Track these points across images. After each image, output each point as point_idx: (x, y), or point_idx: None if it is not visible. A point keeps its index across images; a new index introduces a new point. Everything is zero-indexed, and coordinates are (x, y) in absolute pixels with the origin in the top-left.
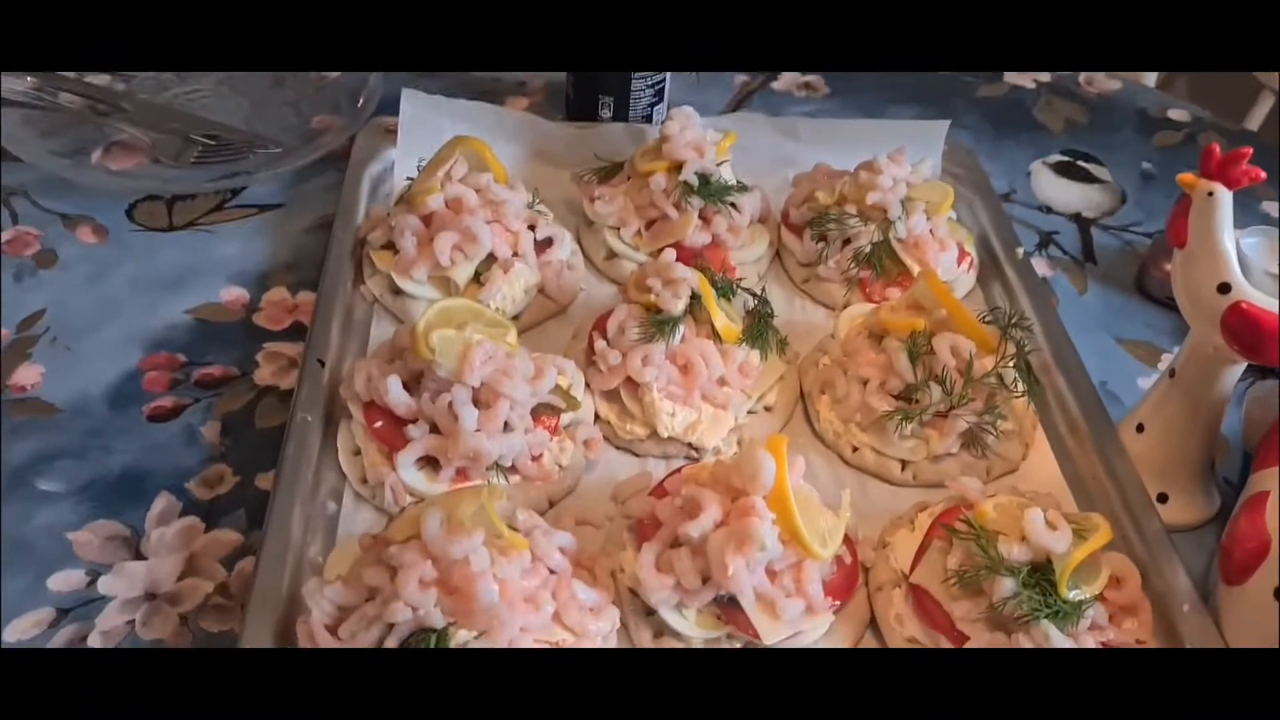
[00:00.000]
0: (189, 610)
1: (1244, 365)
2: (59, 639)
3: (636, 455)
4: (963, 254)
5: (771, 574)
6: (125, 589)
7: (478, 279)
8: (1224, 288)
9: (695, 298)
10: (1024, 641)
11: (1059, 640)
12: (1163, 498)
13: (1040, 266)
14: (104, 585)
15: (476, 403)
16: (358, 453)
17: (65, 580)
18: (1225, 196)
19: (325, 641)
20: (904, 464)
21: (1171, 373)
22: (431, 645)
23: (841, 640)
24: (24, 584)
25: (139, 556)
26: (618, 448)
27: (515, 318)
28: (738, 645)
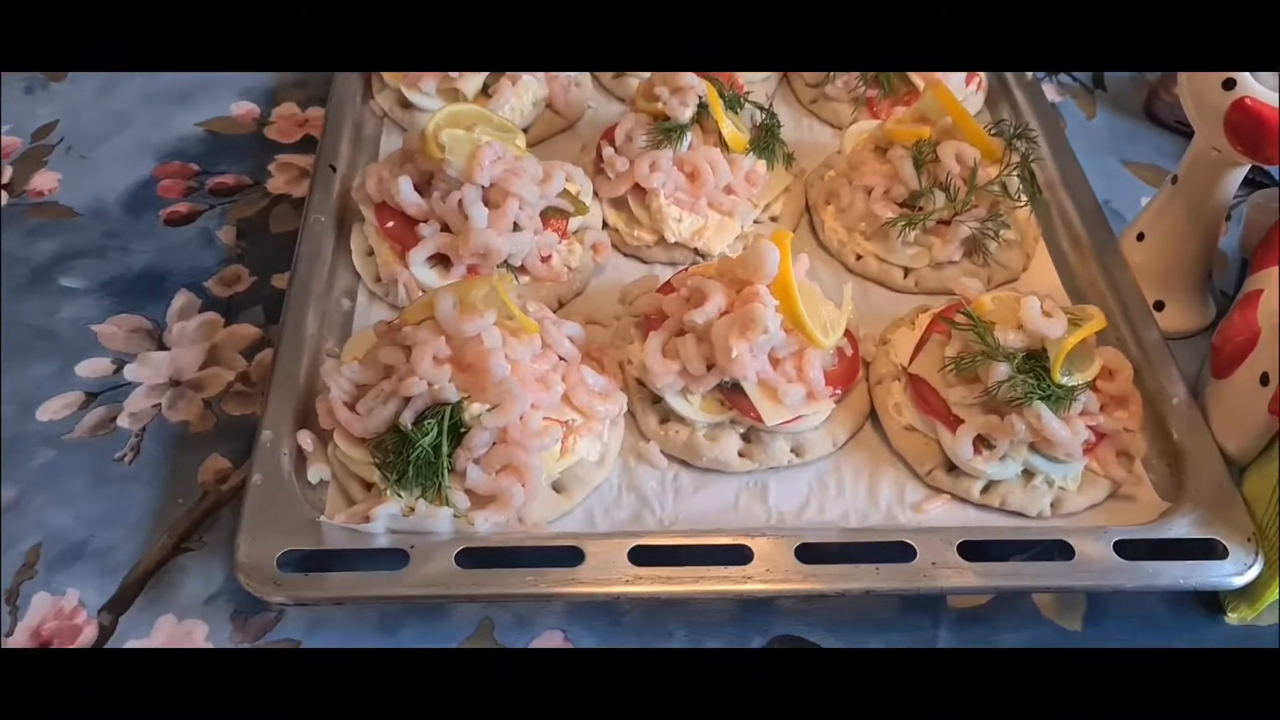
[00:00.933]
0: (212, 395)
1: (1244, 170)
2: (89, 420)
3: (644, 261)
4: (971, 75)
5: (774, 361)
6: (150, 375)
7: (485, 91)
8: (1229, 83)
9: (703, 106)
10: (1017, 424)
11: (1051, 422)
12: (1159, 305)
13: (1050, 92)
14: (130, 372)
15: (486, 202)
16: (371, 253)
17: (92, 367)
18: None
19: (344, 416)
20: (906, 271)
21: (1174, 180)
22: (446, 417)
23: (841, 428)
24: (53, 370)
25: (162, 347)
26: (625, 254)
27: (524, 131)
28: (740, 430)
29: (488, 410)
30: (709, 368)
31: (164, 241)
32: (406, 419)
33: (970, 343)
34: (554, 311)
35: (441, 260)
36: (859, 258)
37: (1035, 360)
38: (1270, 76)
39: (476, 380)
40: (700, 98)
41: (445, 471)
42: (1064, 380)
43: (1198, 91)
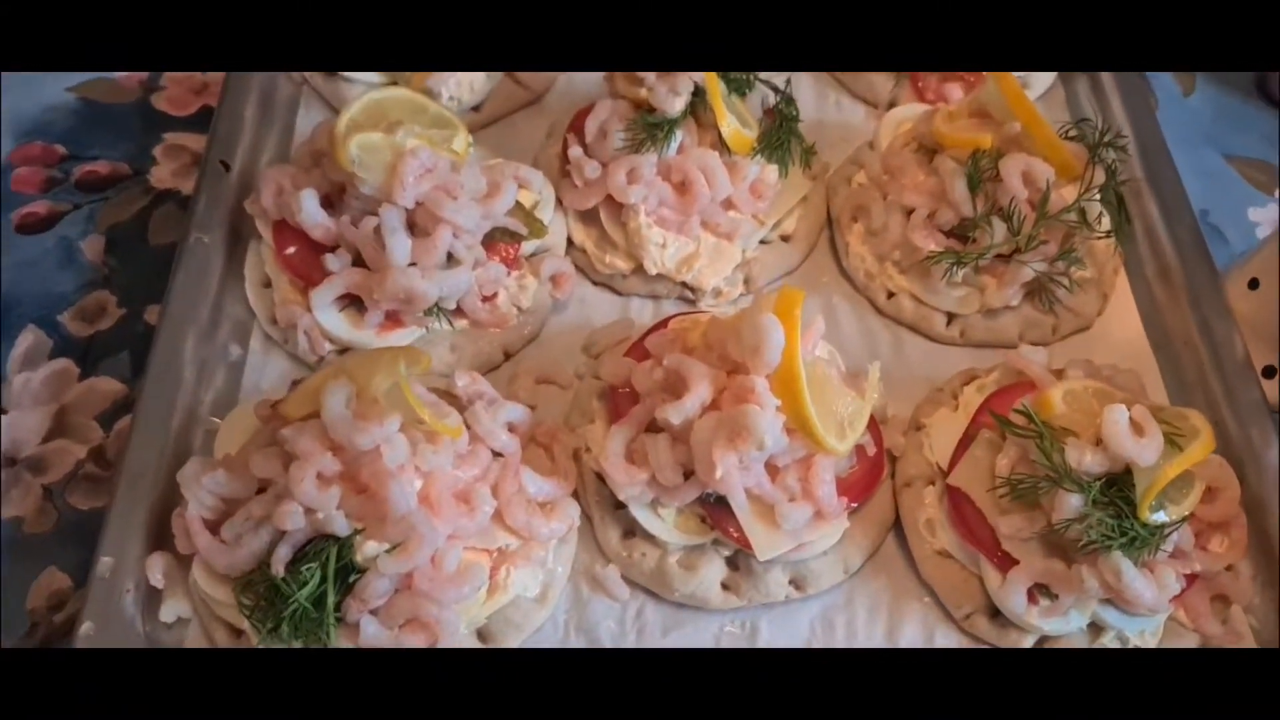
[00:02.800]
0: (55, 481)
1: None
2: None
3: (618, 293)
4: None
5: (773, 470)
6: None
7: None
8: None
9: (699, 95)
10: (1086, 574)
11: (1131, 576)
12: (1270, 372)
13: None
14: None
15: (412, 229)
16: (268, 284)
17: None
18: None
19: (204, 543)
20: (951, 317)
21: None
22: (333, 560)
23: (856, 550)
24: None
25: None
26: (594, 283)
27: (475, 109)
28: (726, 554)
29: (387, 550)
30: (687, 476)
31: (14, 255)
32: (280, 558)
33: (1031, 455)
34: (499, 365)
35: (355, 301)
36: (891, 295)
37: (1117, 489)
38: None
39: (374, 508)
40: (696, 84)
41: (331, 628)
42: (1153, 519)
43: None
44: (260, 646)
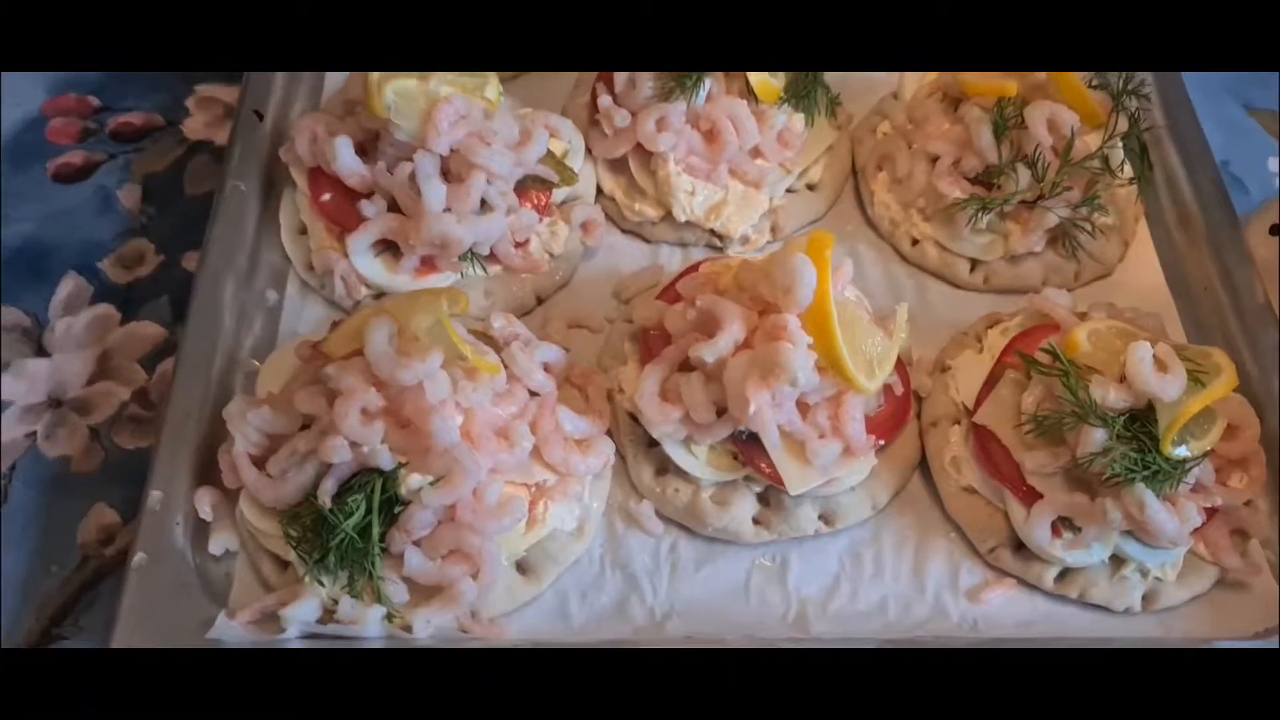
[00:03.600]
0: (100, 422)
1: None
2: None
3: (646, 241)
4: None
5: (804, 408)
6: (25, 392)
7: None
8: None
9: None
10: (1111, 510)
11: (1156, 512)
12: None
13: None
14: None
15: (446, 175)
16: (304, 231)
17: None
18: None
19: (250, 478)
20: (974, 263)
21: None
22: (377, 492)
23: (883, 487)
24: None
25: (41, 352)
26: (624, 230)
27: None
28: (757, 490)
29: (430, 483)
30: (720, 413)
31: (51, 204)
32: (326, 491)
33: (1056, 392)
34: (532, 310)
35: (390, 247)
36: (915, 243)
37: (1140, 424)
38: None
39: (417, 442)
40: None
41: (377, 558)
42: (1176, 453)
43: None
44: (306, 584)
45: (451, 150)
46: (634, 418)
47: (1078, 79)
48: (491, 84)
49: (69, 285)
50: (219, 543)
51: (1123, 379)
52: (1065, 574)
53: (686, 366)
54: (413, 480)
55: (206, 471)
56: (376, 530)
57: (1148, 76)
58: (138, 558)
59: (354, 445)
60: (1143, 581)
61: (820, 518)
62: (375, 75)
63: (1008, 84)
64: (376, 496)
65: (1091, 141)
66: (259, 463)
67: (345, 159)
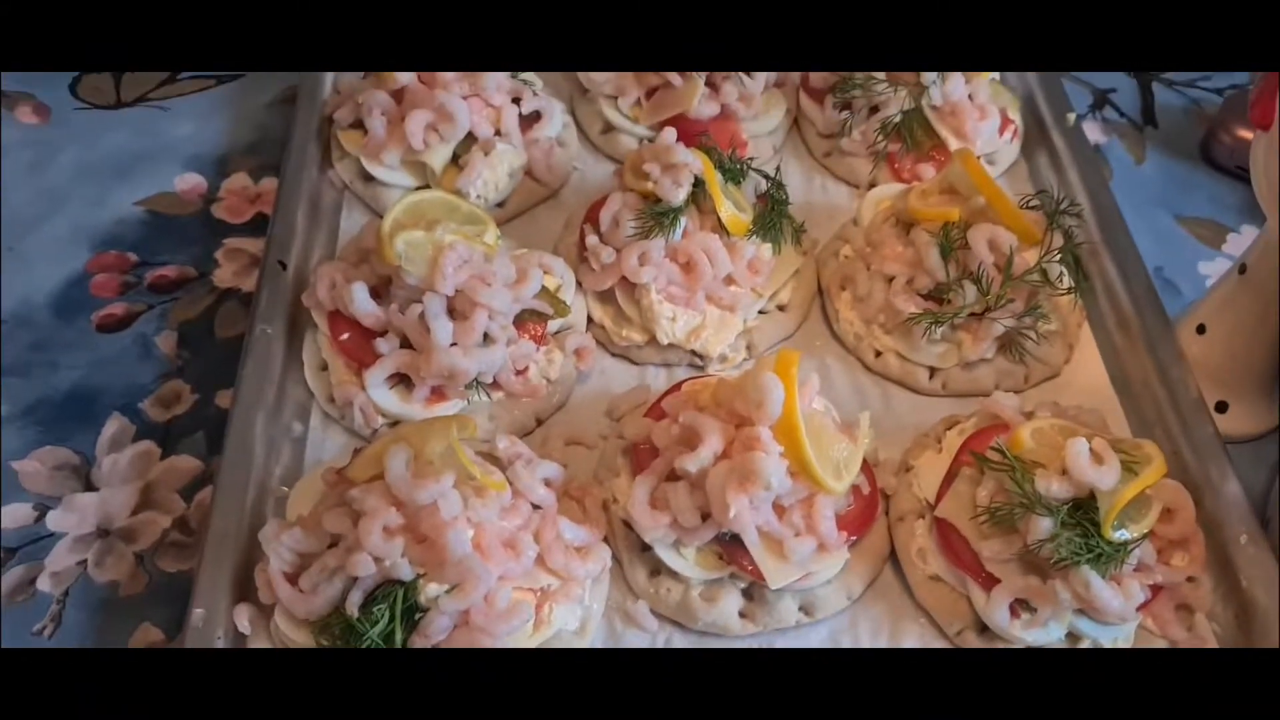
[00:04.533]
0: (145, 548)
1: None
2: (8, 580)
3: (634, 363)
4: (1005, 122)
5: (779, 509)
6: (76, 524)
7: (456, 162)
8: None
9: (699, 185)
10: (1061, 591)
11: (1101, 591)
12: (1222, 407)
13: (1093, 132)
14: (53, 520)
15: (452, 313)
16: (325, 368)
17: (12, 515)
18: None
19: (285, 593)
20: (932, 371)
21: (1242, 269)
22: (399, 601)
23: (857, 579)
24: None
25: (89, 487)
26: (613, 354)
27: (500, 205)
28: (741, 586)
29: (446, 591)
30: (704, 518)
31: (96, 353)
32: (354, 602)
33: (1006, 486)
34: (532, 431)
35: (403, 379)
36: (878, 354)
37: (1082, 512)
38: None
39: (434, 554)
40: (695, 175)
41: None
42: (1116, 536)
43: (1272, 171)
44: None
45: (456, 291)
46: (628, 525)
47: (1012, 203)
48: (490, 229)
49: (113, 425)
50: None
51: (1064, 471)
52: None
53: (673, 476)
54: (430, 589)
55: (244, 589)
56: (400, 636)
57: (1082, 195)
58: None
59: (377, 560)
60: None
61: (801, 609)
62: (386, 227)
63: (951, 210)
64: (399, 605)
65: (1030, 257)
66: (291, 579)
67: (361, 302)
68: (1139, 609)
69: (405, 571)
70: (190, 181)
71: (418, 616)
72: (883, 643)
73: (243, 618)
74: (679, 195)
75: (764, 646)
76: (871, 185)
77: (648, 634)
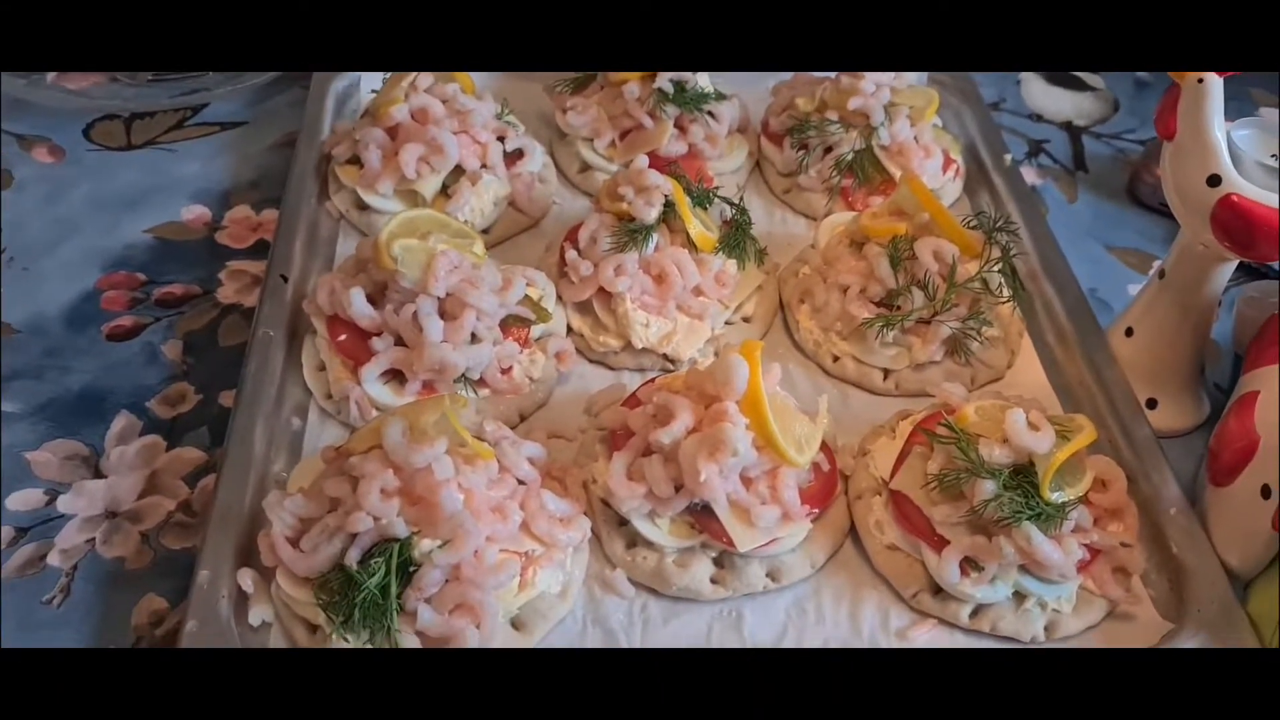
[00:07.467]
0: (150, 528)
1: (1235, 264)
2: (18, 557)
3: (610, 368)
4: (948, 161)
5: (746, 481)
6: (85, 507)
7: (445, 192)
8: (1214, 180)
9: (669, 205)
10: (1005, 546)
11: (1041, 544)
12: (1152, 403)
13: (1029, 175)
14: (63, 504)
15: (442, 314)
16: (322, 368)
17: (24, 499)
18: (1216, 84)
19: (286, 554)
20: (886, 373)
21: (1161, 274)
22: (395, 555)
23: (819, 549)
24: None
25: (98, 475)
26: (591, 360)
27: (485, 231)
28: (712, 554)
29: (439, 546)
30: (677, 489)
31: (106, 359)
32: (352, 558)
33: (953, 457)
34: (516, 425)
35: (396, 375)
36: (836, 359)
37: (1023, 476)
38: (1256, 171)
39: (427, 514)
40: (666, 196)
41: (394, 613)
42: (1054, 497)
43: (1182, 188)
44: (332, 637)
45: (448, 294)
46: (606, 503)
47: (954, 219)
48: (478, 243)
49: (122, 421)
50: (257, 614)
51: (1005, 440)
52: (978, 611)
53: (648, 452)
54: (423, 545)
55: (246, 557)
56: (394, 589)
57: (1021, 228)
58: (189, 625)
59: (375, 519)
60: (1043, 614)
61: (768, 575)
62: (384, 235)
63: (899, 225)
64: (394, 560)
65: (971, 268)
66: (293, 543)
67: (358, 305)
68: (1079, 569)
69: (401, 529)
70: (196, 212)
71: (412, 569)
72: (845, 606)
73: (246, 578)
74: (651, 214)
75: (733, 608)
76: (827, 215)
77: (625, 599)
